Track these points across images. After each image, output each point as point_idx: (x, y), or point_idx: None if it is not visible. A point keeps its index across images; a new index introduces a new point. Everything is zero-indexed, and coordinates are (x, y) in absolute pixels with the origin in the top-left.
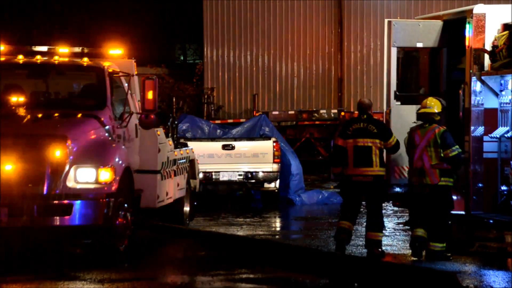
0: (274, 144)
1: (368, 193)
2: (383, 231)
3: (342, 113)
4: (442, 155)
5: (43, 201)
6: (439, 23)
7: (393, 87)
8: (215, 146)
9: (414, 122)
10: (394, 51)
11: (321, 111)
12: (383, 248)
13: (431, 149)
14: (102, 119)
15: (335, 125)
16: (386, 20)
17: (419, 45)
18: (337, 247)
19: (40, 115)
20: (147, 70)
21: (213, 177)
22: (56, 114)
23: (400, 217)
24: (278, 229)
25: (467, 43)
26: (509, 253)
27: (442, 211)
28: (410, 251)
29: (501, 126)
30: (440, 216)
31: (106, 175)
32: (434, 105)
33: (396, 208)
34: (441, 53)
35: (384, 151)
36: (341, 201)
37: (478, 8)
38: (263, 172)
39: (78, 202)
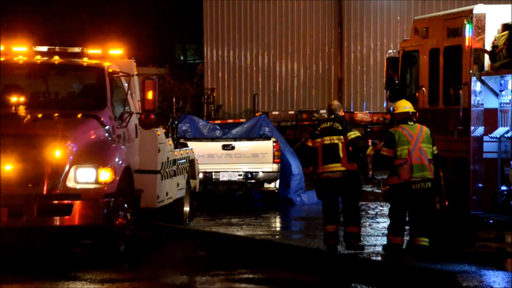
0: (274, 144)
1: (339, 189)
2: (360, 225)
3: (342, 113)
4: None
5: (43, 201)
6: None
7: None
8: (215, 146)
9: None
10: None
11: (321, 111)
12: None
13: (427, 145)
14: (102, 119)
15: None
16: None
17: None
18: (329, 250)
19: (40, 115)
20: (148, 70)
21: (213, 177)
22: (56, 114)
23: None
24: (278, 229)
25: (467, 43)
26: (508, 253)
27: (433, 205)
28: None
29: (501, 126)
30: (430, 210)
31: (106, 175)
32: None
33: None
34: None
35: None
36: (322, 204)
37: (478, 8)
38: (263, 172)
39: (78, 202)
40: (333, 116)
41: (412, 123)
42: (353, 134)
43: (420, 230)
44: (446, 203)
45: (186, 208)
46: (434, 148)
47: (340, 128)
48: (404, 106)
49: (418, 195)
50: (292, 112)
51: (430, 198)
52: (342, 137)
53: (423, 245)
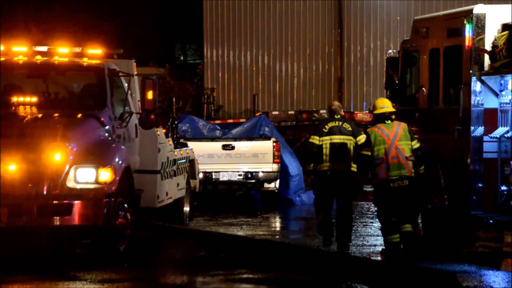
0: (274, 144)
1: (340, 187)
2: (352, 226)
3: (342, 113)
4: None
5: (43, 201)
6: None
7: None
8: (215, 146)
9: None
10: None
11: (321, 111)
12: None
13: (404, 142)
14: (102, 119)
15: None
16: None
17: None
18: (324, 243)
19: (40, 115)
20: (148, 70)
21: (213, 177)
22: (56, 114)
23: None
24: (278, 229)
25: (467, 43)
26: (504, 253)
27: (417, 201)
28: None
29: (501, 126)
30: (415, 204)
31: (106, 175)
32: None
33: None
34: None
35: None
36: (314, 198)
37: (478, 8)
38: (263, 172)
39: (78, 202)
40: (339, 116)
41: (389, 121)
42: (362, 139)
43: (403, 220)
44: (446, 203)
45: (186, 208)
46: (414, 143)
47: (350, 129)
48: (382, 106)
49: (397, 193)
50: (292, 112)
51: (409, 195)
52: (351, 138)
53: (407, 231)
